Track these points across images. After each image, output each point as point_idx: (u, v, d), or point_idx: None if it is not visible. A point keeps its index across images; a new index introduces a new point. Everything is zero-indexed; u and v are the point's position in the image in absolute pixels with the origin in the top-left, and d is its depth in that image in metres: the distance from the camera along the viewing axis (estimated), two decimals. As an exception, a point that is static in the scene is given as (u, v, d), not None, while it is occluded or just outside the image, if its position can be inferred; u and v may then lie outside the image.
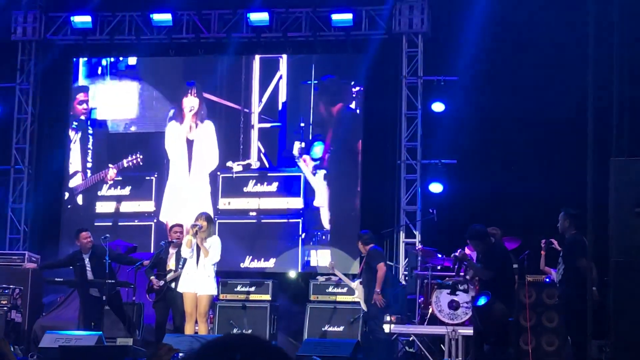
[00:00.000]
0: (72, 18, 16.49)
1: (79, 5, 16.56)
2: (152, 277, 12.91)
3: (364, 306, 12.89)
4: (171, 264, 12.82)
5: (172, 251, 12.88)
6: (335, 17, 15.80)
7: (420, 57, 15.64)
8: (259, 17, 16.04)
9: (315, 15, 16.08)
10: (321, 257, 15.43)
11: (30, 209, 16.58)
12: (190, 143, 16.27)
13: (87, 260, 13.05)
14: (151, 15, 16.25)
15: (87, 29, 16.59)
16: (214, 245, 12.02)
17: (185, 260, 12.27)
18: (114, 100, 16.74)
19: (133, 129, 16.66)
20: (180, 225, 13.29)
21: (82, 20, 16.49)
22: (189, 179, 16.20)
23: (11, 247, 16.05)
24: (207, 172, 16.16)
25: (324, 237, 15.63)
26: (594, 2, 8.37)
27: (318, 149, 15.90)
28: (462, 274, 11.63)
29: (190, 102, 16.35)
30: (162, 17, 16.27)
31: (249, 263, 15.71)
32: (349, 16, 15.78)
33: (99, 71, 16.95)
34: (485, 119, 14.70)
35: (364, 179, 15.65)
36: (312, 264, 15.59)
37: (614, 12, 8.62)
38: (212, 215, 13.04)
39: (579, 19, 10.78)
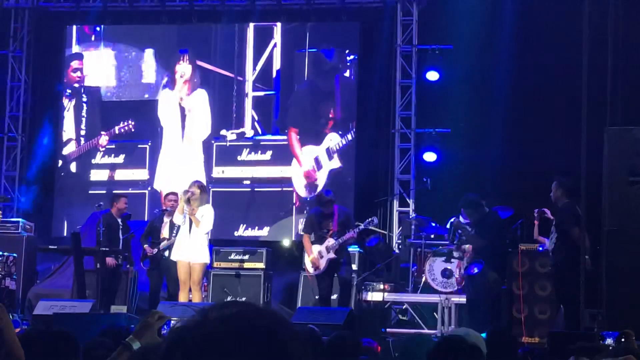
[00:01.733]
0: (65, -15, 16.39)
1: (72, -28, 16.44)
2: (146, 245, 12.94)
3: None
4: (165, 232, 12.84)
5: (166, 219, 12.90)
6: (329, -16, 15.71)
7: (414, 26, 15.57)
8: (253, -16, 15.94)
9: (310, -17, 15.99)
10: None
11: (23, 176, 16.56)
12: (183, 110, 16.23)
13: (121, 226, 13.19)
14: (145, -18, 16.14)
15: (80, -5, 16.48)
16: (206, 214, 12.04)
17: (179, 227, 12.30)
18: (107, 67, 16.68)
19: (126, 96, 16.60)
20: (175, 194, 13.30)
21: (75, -14, 16.38)
22: (182, 147, 16.18)
23: (5, 215, 16.03)
24: (200, 140, 16.14)
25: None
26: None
27: None
28: (456, 242, 11.68)
29: (182, 69, 16.29)
30: (156, -16, 16.16)
31: (243, 231, 15.72)
32: (343, -16, 15.70)
33: (92, 38, 16.88)
34: (480, 88, 14.68)
35: (357, 148, 15.64)
36: None
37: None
38: (205, 184, 13.04)
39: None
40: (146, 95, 16.53)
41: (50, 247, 13.70)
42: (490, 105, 14.68)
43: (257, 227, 15.75)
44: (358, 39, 15.88)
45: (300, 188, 15.69)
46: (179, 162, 16.08)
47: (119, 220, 13.38)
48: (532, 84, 14.47)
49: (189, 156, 16.10)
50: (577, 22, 9.00)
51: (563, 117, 13.28)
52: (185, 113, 16.20)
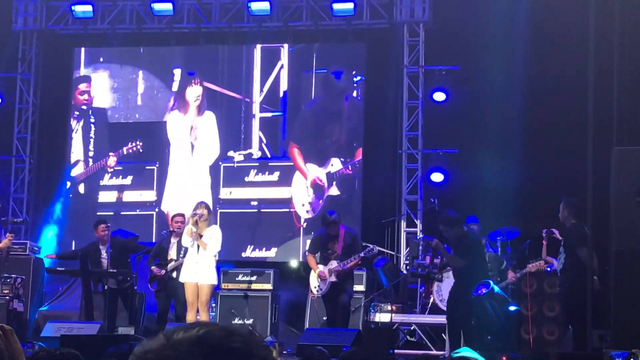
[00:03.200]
0: (73, 7, 16.47)
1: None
2: (153, 267, 12.94)
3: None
4: (172, 253, 12.85)
5: (173, 240, 12.90)
6: (336, 6, 15.77)
7: (421, 47, 15.62)
8: (260, 6, 16.01)
9: (316, 5, 16.07)
10: None
11: (31, 198, 16.61)
12: (192, 132, 16.26)
13: (104, 252, 13.10)
14: (152, 5, 16.23)
15: (88, 18, 16.57)
16: (214, 235, 12.06)
17: (186, 249, 12.31)
18: (114, 89, 16.74)
19: (134, 117, 16.66)
20: (182, 215, 13.31)
21: (83, 9, 16.47)
22: (190, 169, 16.21)
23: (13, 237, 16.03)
24: (208, 163, 16.17)
25: None
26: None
27: None
28: (436, 261, 11.65)
29: (195, 92, 16.33)
30: (163, 7, 16.24)
31: (250, 252, 15.72)
32: (350, 5, 15.75)
33: (101, 59, 16.96)
34: (486, 108, 14.67)
35: (365, 169, 15.65)
36: None
37: (615, 5, 8.61)
38: (210, 205, 13.06)
39: (580, 9, 10.76)
40: (154, 117, 16.57)
41: (58, 268, 13.70)
42: (497, 125, 14.68)
43: (264, 248, 15.76)
44: (364, 60, 15.92)
45: (300, 207, 15.70)
46: (187, 184, 16.10)
47: (101, 247, 13.23)
48: (538, 105, 14.48)
49: (197, 178, 16.13)
50: (583, 43, 9.02)
51: (571, 137, 13.26)
52: (194, 135, 16.23)
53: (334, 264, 11.95)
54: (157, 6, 16.20)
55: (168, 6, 16.21)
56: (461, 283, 10.97)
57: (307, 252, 12.65)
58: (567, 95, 13.52)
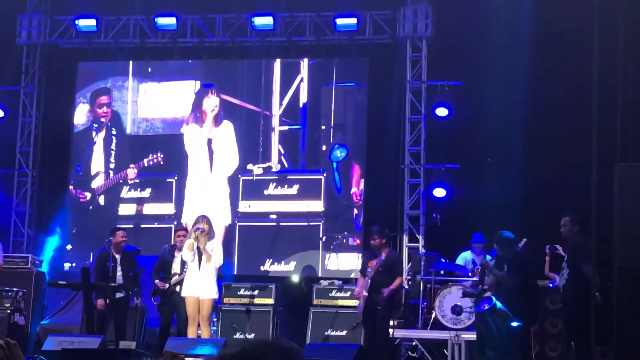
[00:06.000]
0: (76, 22, 16.52)
1: (84, 8, 16.58)
2: (157, 281, 12.91)
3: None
4: (176, 267, 12.82)
5: (177, 254, 12.87)
6: (339, 21, 15.81)
7: (424, 62, 15.64)
8: (263, 21, 16.05)
9: (320, 20, 16.10)
10: (342, 261, 15.46)
11: (34, 212, 16.60)
12: (210, 144, 16.23)
13: (118, 264, 13.03)
14: (155, 19, 16.27)
15: (92, 32, 16.62)
16: (216, 248, 12.06)
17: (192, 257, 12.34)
18: (135, 101, 16.72)
19: (153, 130, 16.62)
20: (185, 229, 13.29)
21: (86, 23, 16.51)
22: (209, 181, 16.15)
23: (15, 250, 16.05)
24: (228, 173, 16.12)
25: (344, 241, 15.63)
26: (599, 6, 8.37)
27: (339, 152, 15.92)
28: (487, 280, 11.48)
29: (212, 103, 16.32)
30: (167, 21, 16.28)
31: (269, 266, 15.68)
32: (353, 21, 15.79)
33: (149, 70, 16.89)
34: (489, 123, 14.67)
35: (367, 183, 15.64)
36: (331, 267, 15.58)
37: (618, 19, 8.61)
38: (229, 217, 12.99)
39: (583, 24, 10.76)
40: (173, 130, 16.53)
41: (59, 282, 13.67)
42: (500, 140, 14.68)
43: (283, 262, 15.72)
44: (367, 75, 15.94)
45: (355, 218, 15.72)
46: (206, 196, 16.03)
47: (117, 256, 13.14)
48: (541, 120, 14.48)
49: (216, 189, 16.08)
50: (586, 58, 9.02)
51: (573, 152, 13.26)
52: (212, 147, 16.21)
53: (367, 280, 11.97)
54: (160, 20, 16.24)
55: (172, 20, 16.25)
56: (509, 301, 10.84)
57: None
58: (569, 110, 13.53)
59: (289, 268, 15.69)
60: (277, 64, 16.37)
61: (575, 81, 12.72)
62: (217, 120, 16.26)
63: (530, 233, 13.27)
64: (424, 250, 14.63)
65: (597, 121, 8.03)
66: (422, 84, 15.60)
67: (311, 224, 15.76)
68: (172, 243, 13.26)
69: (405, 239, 15.27)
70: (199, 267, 11.95)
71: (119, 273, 12.98)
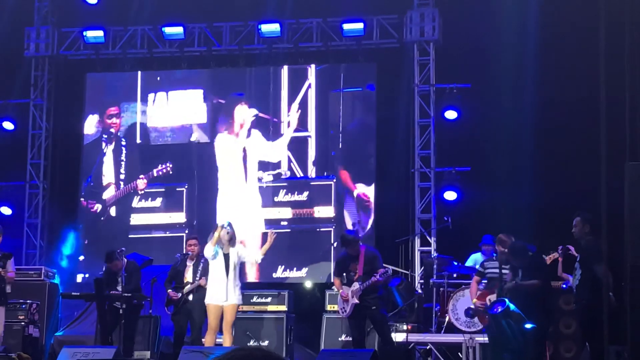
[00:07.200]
0: (84, 33, 16.58)
1: (91, 20, 16.64)
2: (170, 290, 12.91)
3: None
4: (189, 276, 12.82)
5: (189, 263, 12.88)
6: (346, 26, 15.83)
7: (432, 65, 15.65)
8: (270, 28, 16.08)
9: (326, 25, 16.12)
10: None
11: (45, 224, 16.64)
12: (245, 153, 16.25)
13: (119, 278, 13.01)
14: (163, 29, 16.31)
15: (100, 43, 16.67)
16: (242, 250, 12.22)
17: (203, 270, 12.35)
18: (144, 111, 16.76)
19: (164, 139, 16.66)
20: (195, 238, 13.31)
21: (94, 35, 16.57)
22: (245, 191, 16.16)
23: (27, 263, 16.10)
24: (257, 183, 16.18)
25: None
26: (605, 8, 8.35)
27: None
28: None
29: (247, 113, 16.33)
30: (174, 31, 16.33)
31: (281, 273, 15.69)
32: (360, 25, 15.81)
33: (158, 78, 16.93)
34: (498, 125, 14.66)
35: (378, 188, 15.63)
36: None
37: (625, 18, 8.59)
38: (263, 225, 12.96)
39: (591, 25, 10.75)
40: (182, 139, 16.55)
41: (73, 293, 13.70)
42: (509, 142, 14.67)
43: (295, 269, 15.73)
44: (375, 80, 15.94)
45: (351, 227, 15.68)
46: (240, 206, 16.05)
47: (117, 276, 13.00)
48: (550, 120, 14.47)
49: (250, 199, 16.09)
50: (594, 58, 9.00)
51: (583, 153, 13.23)
52: (247, 156, 16.22)
53: (356, 285, 11.80)
54: (168, 30, 16.29)
55: (179, 30, 16.30)
56: (530, 303, 10.79)
57: (332, 275, 12.50)
58: (579, 110, 13.50)
59: (300, 274, 15.69)
60: (285, 71, 16.38)
61: (584, 81, 12.70)
62: (249, 131, 16.29)
63: (541, 234, 13.27)
64: (436, 254, 14.62)
65: (606, 121, 8.01)
66: (431, 87, 15.61)
67: (322, 230, 15.76)
68: (184, 252, 13.26)
69: (417, 242, 15.26)
70: (227, 274, 11.95)
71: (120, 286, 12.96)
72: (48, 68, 16.95)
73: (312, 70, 16.32)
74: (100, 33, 16.55)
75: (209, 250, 12.07)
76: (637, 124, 8.87)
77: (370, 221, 15.59)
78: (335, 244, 15.59)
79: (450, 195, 15.07)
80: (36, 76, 16.94)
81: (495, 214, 13.89)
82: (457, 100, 15.16)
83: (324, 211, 15.82)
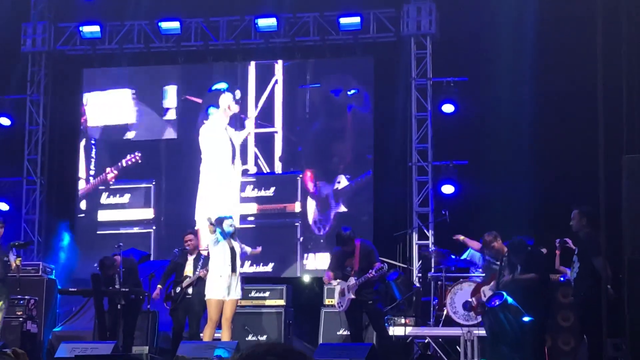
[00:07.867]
0: (81, 28, 16.56)
1: (88, 15, 16.62)
2: (159, 286, 12.80)
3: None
4: (188, 270, 12.81)
5: (189, 257, 12.86)
6: (343, 20, 15.82)
7: (429, 59, 15.64)
8: (267, 22, 16.07)
9: (323, 20, 16.11)
10: (320, 261, 15.43)
11: (43, 219, 16.63)
12: (231, 141, 16.25)
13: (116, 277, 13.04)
14: (159, 24, 16.29)
15: (96, 38, 16.66)
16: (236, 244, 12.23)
17: (202, 264, 12.37)
18: (110, 108, 16.75)
19: (130, 136, 16.65)
20: (194, 233, 13.30)
21: (91, 30, 16.55)
22: (232, 177, 16.21)
23: (25, 258, 16.08)
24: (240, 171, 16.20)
25: (321, 241, 15.65)
26: (602, 1, 8.36)
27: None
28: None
29: (229, 99, 16.35)
30: (171, 25, 16.32)
31: (247, 268, 15.63)
32: (356, 19, 15.80)
33: (95, 81, 16.98)
34: (495, 119, 14.66)
35: (375, 182, 15.63)
36: (310, 267, 15.62)
37: (621, 12, 8.60)
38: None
39: (588, 18, 10.75)
40: (149, 135, 16.54)
41: (70, 289, 13.70)
42: (507, 135, 14.67)
43: (261, 264, 15.73)
44: (372, 74, 15.93)
45: (313, 225, 15.72)
46: (227, 193, 16.09)
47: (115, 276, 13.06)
48: (548, 113, 14.47)
49: (237, 184, 16.12)
50: (592, 51, 9.00)
51: (581, 146, 13.23)
52: (233, 144, 16.23)
53: (352, 280, 11.79)
54: (164, 25, 16.28)
55: (175, 25, 16.28)
56: (528, 296, 10.81)
57: (327, 270, 12.48)
58: (576, 103, 13.50)
59: (267, 269, 15.71)
60: (252, 67, 16.39)
61: (582, 75, 12.69)
62: (232, 121, 16.29)
63: (539, 227, 13.28)
64: (433, 248, 14.62)
65: (604, 114, 8.02)
66: (428, 81, 15.60)
67: (288, 225, 15.79)
68: (183, 247, 13.25)
69: (415, 236, 15.27)
70: (231, 269, 11.95)
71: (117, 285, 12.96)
72: (45, 63, 16.92)
73: (278, 66, 16.30)
74: (96, 28, 16.53)
75: (210, 237, 12.07)
76: (635, 116, 8.87)
77: (331, 220, 15.64)
78: (301, 239, 15.64)
79: (447, 189, 15.07)
80: (33, 72, 16.92)
81: (493, 207, 13.90)
82: (454, 94, 15.15)
83: (290, 207, 15.84)
